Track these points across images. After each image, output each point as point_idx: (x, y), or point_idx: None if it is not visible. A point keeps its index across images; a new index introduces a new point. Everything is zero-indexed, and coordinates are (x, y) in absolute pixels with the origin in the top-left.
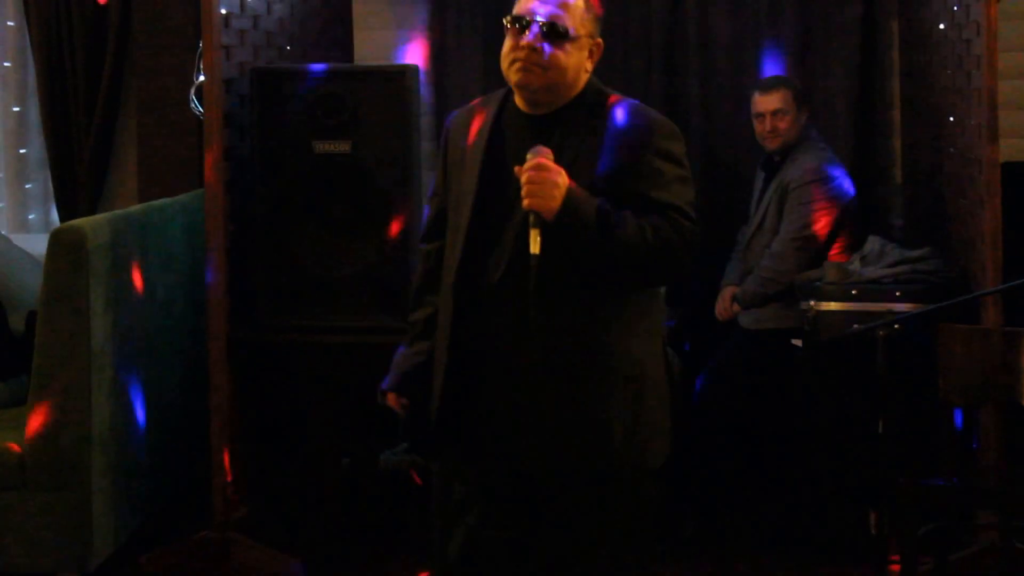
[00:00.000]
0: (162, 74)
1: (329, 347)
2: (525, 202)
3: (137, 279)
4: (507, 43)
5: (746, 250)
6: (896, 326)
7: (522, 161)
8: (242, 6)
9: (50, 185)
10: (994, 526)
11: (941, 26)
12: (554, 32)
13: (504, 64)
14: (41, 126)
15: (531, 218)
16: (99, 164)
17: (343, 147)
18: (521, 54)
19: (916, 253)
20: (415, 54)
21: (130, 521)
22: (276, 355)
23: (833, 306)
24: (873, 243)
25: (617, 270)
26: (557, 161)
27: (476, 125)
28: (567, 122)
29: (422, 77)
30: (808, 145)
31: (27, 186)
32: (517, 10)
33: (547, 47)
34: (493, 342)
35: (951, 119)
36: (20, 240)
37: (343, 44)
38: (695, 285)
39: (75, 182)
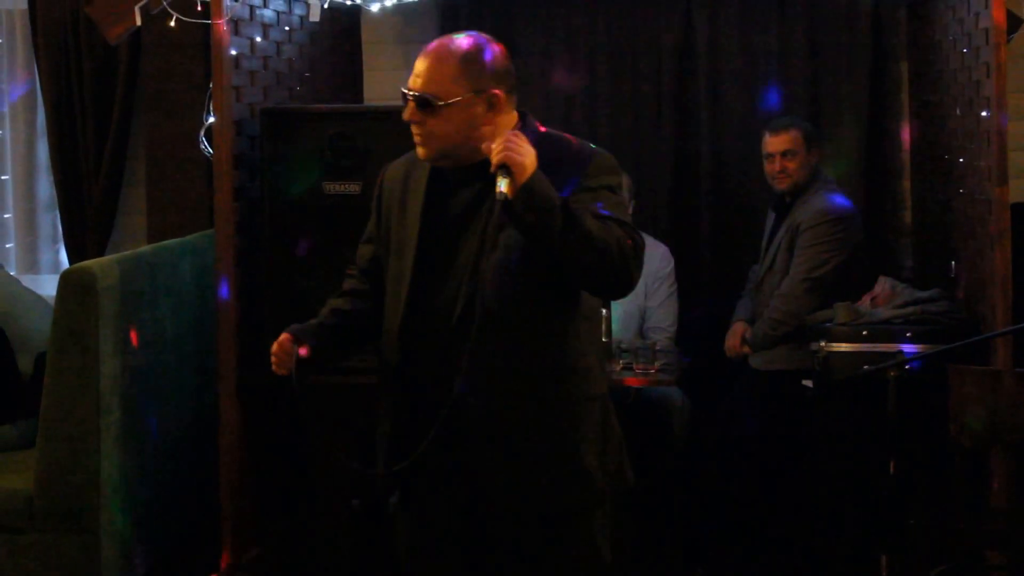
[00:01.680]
0: (172, 114)
1: (339, 388)
2: (499, 156)
3: (146, 320)
4: None
5: (757, 291)
6: (907, 367)
7: (460, 211)
8: (252, 47)
9: (59, 226)
10: (1004, 568)
11: (951, 67)
12: (424, 103)
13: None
14: (50, 167)
15: (501, 172)
16: (108, 205)
17: (353, 188)
18: (412, 128)
19: (926, 294)
20: None
21: (140, 563)
22: (285, 396)
23: (844, 347)
24: (883, 283)
25: (576, 259)
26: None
27: (413, 175)
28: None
29: None
30: (818, 186)
31: (37, 227)
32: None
33: (426, 118)
34: (447, 380)
35: (961, 160)
36: (29, 281)
37: (353, 85)
38: (706, 324)
39: (84, 223)
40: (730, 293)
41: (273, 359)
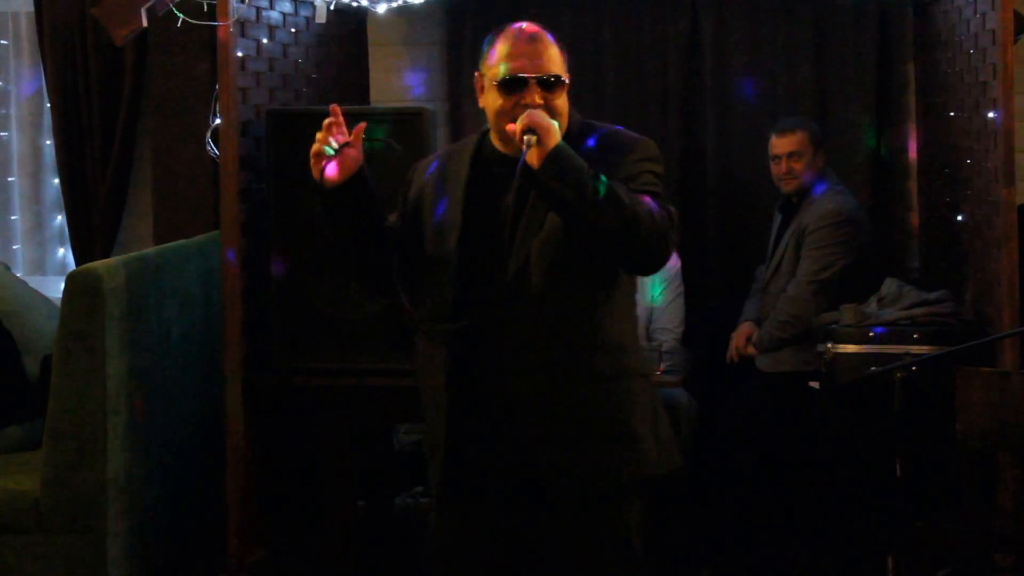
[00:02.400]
0: (178, 116)
1: (345, 389)
2: (525, 121)
3: (152, 321)
4: (500, 103)
5: (763, 292)
6: (913, 368)
7: (503, 202)
8: (258, 49)
9: (65, 227)
10: (1012, 570)
11: (957, 68)
12: (552, 84)
13: (503, 122)
14: (56, 169)
15: (528, 138)
16: (114, 206)
17: None
18: (522, 110)
19: (933, 295)
20: (432, 95)
21: (146, 564)
22: (292, 398)
23: (850, 348)
24: (890, 285)
25: (607, 230)
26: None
27: (448, 168)
28: None
29: (439, 118)
30: (825, 187)
31: (44, 228)
32: (507, 71)
33: (548, 96)
34: (501, 362)
35: (967, 161)
36: (36, 282)
37: (359, 86)
38: (713, 325)
39: (90, 224)
40: (737, 294)
41: (320, 136)
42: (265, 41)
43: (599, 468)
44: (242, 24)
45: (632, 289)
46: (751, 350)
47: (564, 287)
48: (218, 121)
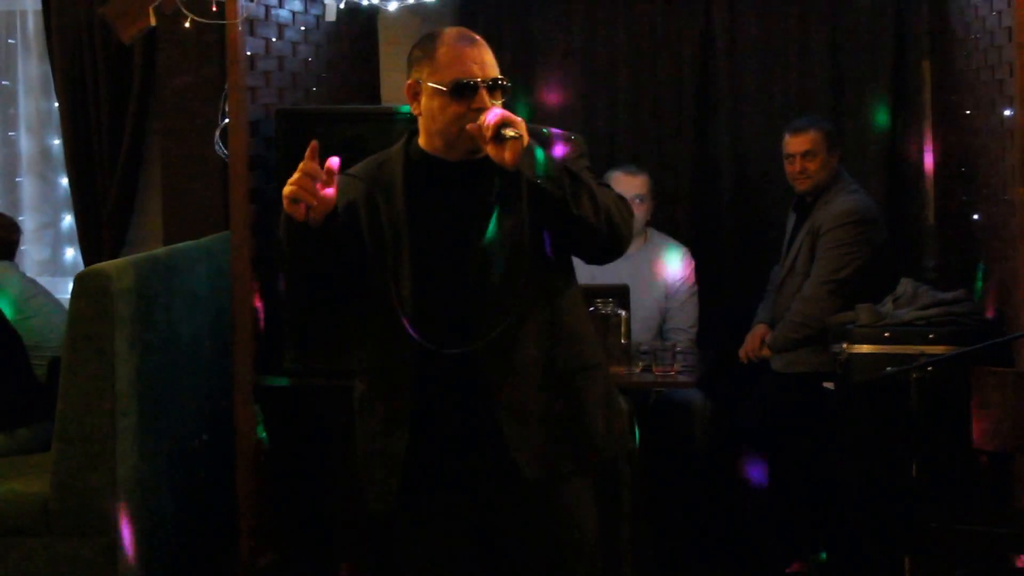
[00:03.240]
0: (187, 115)
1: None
2: (497, 117)
3: (162, 323)
4: (451, 109)
5: (778, 293)
6: (929, 369)
7: (450, 207)
8: (267, 47)
9: (74, 228)
10: None
11: (973, 66)
12: (498, 87)
13: (454, 128)
14: (65, 168)
15: (503, 133)
16: (123, 206)
17: None
18: (476, 115)
19: (950, 295)
20: None
21: (156, 568)
22: (304, 400)
23: (865, 349)
24: (906, 285)
25: (586, 220)
26: (505, 201)
27: (377, 179)
28: (490, 165)
29: None
30: (840, 187)
31: (52, 229)
32: (455, 75)
33: (493, 101)
34: (466, 357)
35: (984, 160)
36: (48, 284)
37: (370, 85)
38: (728, 324)
39: (99, 224)
40: (752, 294)
41: (295, 189)
42: (274, 40)
43: (553, 454)
44: (251, 22)
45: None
46: (765, 352)
47: (524, 279)
48: (227, 121)
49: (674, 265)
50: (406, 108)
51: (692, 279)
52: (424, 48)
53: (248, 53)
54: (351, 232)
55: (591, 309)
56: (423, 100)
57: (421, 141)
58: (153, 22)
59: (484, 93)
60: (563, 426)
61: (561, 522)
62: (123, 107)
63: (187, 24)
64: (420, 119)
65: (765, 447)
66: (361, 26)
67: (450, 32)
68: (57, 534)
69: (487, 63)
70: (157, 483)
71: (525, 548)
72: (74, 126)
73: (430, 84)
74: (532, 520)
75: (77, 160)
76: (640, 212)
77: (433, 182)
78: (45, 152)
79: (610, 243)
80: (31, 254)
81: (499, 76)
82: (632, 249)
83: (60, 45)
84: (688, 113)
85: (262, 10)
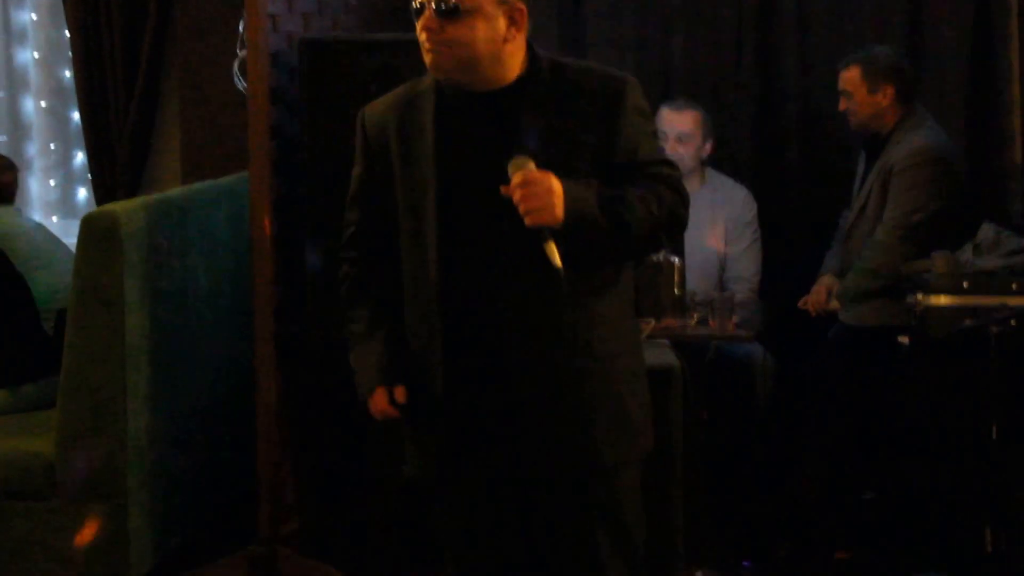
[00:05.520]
0: (207, 44)
1: None
2: (527, 221)
3: (177, 270)
4: (417, 31)
5: (847, 239)
6: (1012, 322)
7: (480, 145)
8: None
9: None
10: None
11: None
12: (448, 9)
13: (421, 51)
14: (76, 103)
15: (542, 234)
16: (140, 142)
17: None
18: (423, 36)
19: None
20: None
21: (170, 535)
22: (330, 354)
23: (943, 300)
24: (987, 231)
25: (628, 250)
26: (527, 142)
27: (410, 115)
28: (524, 98)
29: None
30: (914, 123)
31: (70, 165)
32: None
33: (446, 25)
34: (494, 341)
35: None
36: (63, 227)
37: (406, 12)
38: (792, 274)
39: (114, 162)
40: (820, 241)
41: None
42: None
43: (590, 446)
44: None
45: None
46: (833, 304)
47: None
48: (244, 52)
49: (734, 208)
50: None
51: (755, 224)
52: None
53: None
54: (383, 181)
55: None
56: None
57: None
58: None
59: (428, 15)
60: (599, 418)
61: (597, 517)
62: (139, 34)
63: None
64: None
65: (833, 407)
66: None
67: None
68: (63, 498)
69: None
70: (171, 443)
71: (561, 537)
72: (86, 54)
73: None
74: (569, 510)
75: (89, 94)
76: (688, 150)
77: (463, 119)
78: (59, 87)
79: (659, 247)
80: (39, 194)
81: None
82: (688, 191)
83: None
84: (749, 40)
85: None
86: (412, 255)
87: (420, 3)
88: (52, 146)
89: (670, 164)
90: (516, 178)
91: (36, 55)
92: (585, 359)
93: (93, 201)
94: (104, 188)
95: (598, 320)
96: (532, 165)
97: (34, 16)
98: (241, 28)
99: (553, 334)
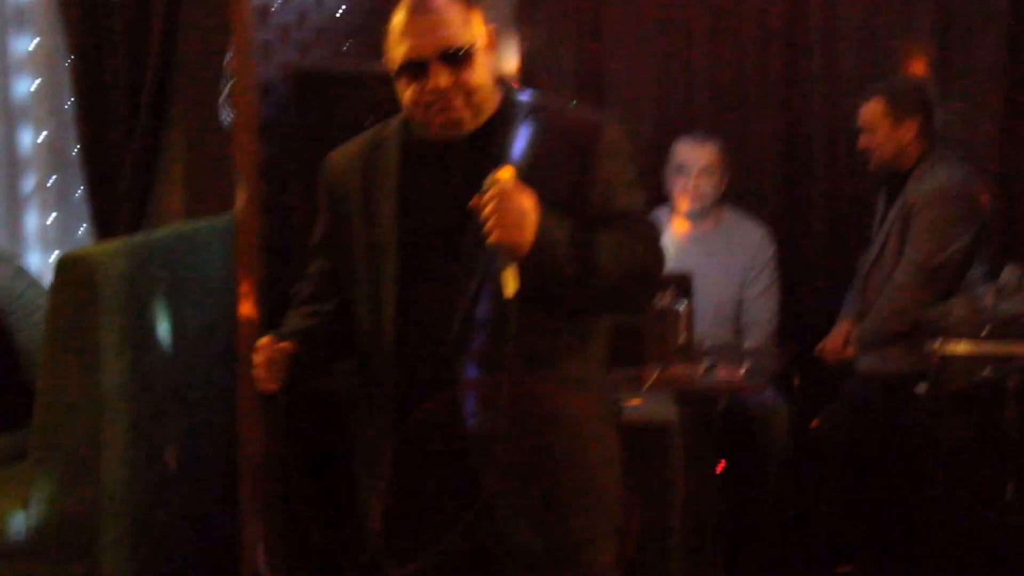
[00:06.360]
0: (213, 74)
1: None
2: (492, 237)
3: (163, 314)
4: (409, 91)
5: (866, 281)
6: None
7: (446, 197)
8: None
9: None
10: None
11: None
12: (456, 56)
13: (416, 113)
14: (77, 135)
15: (501, 256)
16: (142, 176)
17: None
18: (433, 97)
19: None
20: (504, 55)
21: None
22: (321, 399)
23: (961, 347)
24: (1011, 273)
25: (590, 299)
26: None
27: (375, 161)
28: (493, 145)
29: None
30: (936, 157)
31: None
32: (403, 54)
33: (459, 73)
34: (452, 406)
35: None
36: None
37: None
38: (815, 318)
39: (114, 196)
40: (841, 281)
41: (260, 371)
42: None
43: (553, 518)
44: None
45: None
46: (849, 351)
47: (527, 309)
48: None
49: (751, 249)
50: None
51: (772, 265)
52: (389, 23)
53: (258, 4)
54: (344, 235)
55: None
56: (396, 82)
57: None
58: None
59: (436, 70)
60: (565, 484)
61: None
62: (142, 61)
63: None
64: None
65: (848, 457)
66: None
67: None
68: (35, 559)
69: (441, 29)
70: (151, 498)
71: None
72: (87, 84)
73: (390, 65)
74: None
75: (90, 123)
76: (710, 184)
77: (429, 170)
78: (58, 109)
79: (630, 306)
80: (38, 228)
81: (456, 44)
82: (703, 229)
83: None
84: (776, 67)
85: None
86: (369, 311)
87: (418, 58)
88: (51, 179)
89: (648, 217)
90: (492, 190)
91: (35, 84)
92: (550, 428)
93: (94, 236)
94: (104, 223)
95: (564, 385)
96: (513, 175)
97: (33, 45)
98: (226, 60)
99: (515, 401)
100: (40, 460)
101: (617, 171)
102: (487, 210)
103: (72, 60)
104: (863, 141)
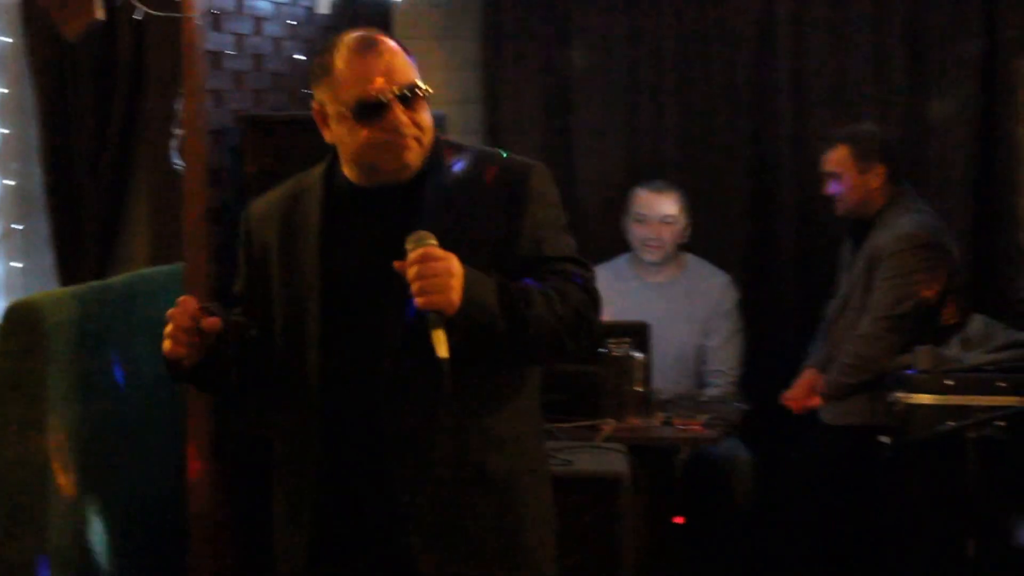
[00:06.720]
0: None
1: None
2: (419, 301)
3: (114, 362)
4: (362, 134)
5: (830, 331)
6: (1001, 423)
7: (370, 245)
8: (239, 44)
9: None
10: None
11: None
12: (414, 96)
13: (368, 154)
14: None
15: (431, 318)
16: (108, 220)
17: None
18: (393, 136)
19: None
20: (467, 96)
21: None
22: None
23: (925, 399)
24: (977, 323)
25: (526, 353)
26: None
27: (297, 209)
28: (421, 191)
29: (476, 123)
30: (901, 206)
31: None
32: (358, 94)
33: (412, 114)
34: (376, 463)
35: None
36: None
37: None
38: (773, 366)
39: (81, 240)
40: (805, 330)
41: (170, 331)
42: (250, 35)
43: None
44: (218, 16)
45: (529, 371)
46: (814, 401)
47: (457, 367)
48: (180, 131)
49: (713, 296)
50: (436, 111)
51: (735, 313)
52: (321, 64)
53: (211, 50)
54: (262, 287)
55: (602, 351)
56: (332, 125)
57: (344, 168)
58: (100, 15)
59: (396, 109)
60: (494, 553)
61: None
62: (106, 114)
63: (137, 16)
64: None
65: (812, 509)
66: (371, 20)
67: (347, 40)
68: None
69: (395, 70)
70: (98, 556)
71: None
72: (52, 126)
73: (333, 107)
74: None
75: (55, 174)
76: (667, 234)
77: (354, 218)
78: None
79: (567, 355)
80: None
81: (414, 83)
82: (664, 278)
83: (37, 37)
84: (744, 116)
85: (232, 1)
86: (291, 364)
87: (382, 98)
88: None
89: (580, 262)
90: (415, 254)
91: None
92: (476, 487)
93: (59, 282)
94: (69, 268)
95: (494, 442)
96: (434, 242)
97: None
98: (177, 105)
99: (441, 458)
100: None
101: (546, 216)
102: (411, 274)
103: (38, 108)
104: (829, 187)
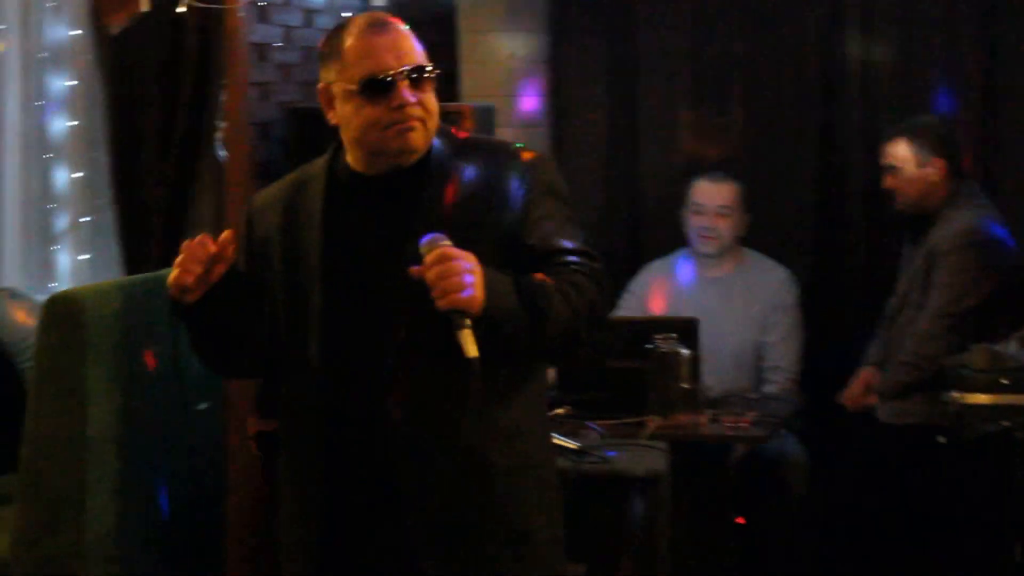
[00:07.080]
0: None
1: None
2: (441, 303)
3: (152, 355)
4: (366, 111)
5: (889, 329)
6: None
7: (374, 235)
8: (287, 36)
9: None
10: None
11: None
12: (420, 78)
13: (372, 134)
14: (109, 174)
15: (455, 319)
16: (175, 216)
17: None
18: (399, 115)
19: None
20: (534, 89)
21: None
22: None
23: (981, 399)
24: None
25: (544, 348)
26: (427, 227)
27: (295, 205)
28: (424, 179)
29: (541, 116)
30: (962, 201)
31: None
32: (365, 70)
33: (420, 95)
34: (380, 455)
35: None
36: None
37: (447, 81)
38: (829, 364)
39: (146, 236)
40: (864, 328)
41: (181, 260)
42: (299, 27)
43: (490, 571)
44: (264, 7)
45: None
46: (871, 399)
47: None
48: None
49: (772, 291)
50: (485, 103)
51: (795, 309)
52: (330, 44)
53: (257, 42)
54: (263, 276)
55: (648, 347)
56: (337, 106)
57: (347, 155)
58: (145, 6)
59: (403, 87)
60: (497, 542)
61: None
62: (175, 93)
63: (181, 9)
64: (340, 130)
65: (866, 511)
66: (436, 11)
67: (358, 20)
68: None
69: (404, 50)
70: (139, 545)
71: None
72: (120, 121)
73: (339, 85)
74: None
75: (121, 164)
76: (723, 225)
77: (357, 206)
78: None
79: (567, 353)
80: (71, 267)
81: (422, 64)
82: (720, 272)
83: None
84: (812, 110)
85: None
86: (293, 352)
87: (389, 76)
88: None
89: (589, 253)
90: (431, 256)
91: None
92: (482, 477)
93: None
94: (135, 263)
95: (502, 433)
96: (448, 243)
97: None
98: (221, 96)
99: (448, 448)
100: (24, 502)
101: (552, 205)
102: (431, 276)
103: (106, 100)
104: (888, 181)
